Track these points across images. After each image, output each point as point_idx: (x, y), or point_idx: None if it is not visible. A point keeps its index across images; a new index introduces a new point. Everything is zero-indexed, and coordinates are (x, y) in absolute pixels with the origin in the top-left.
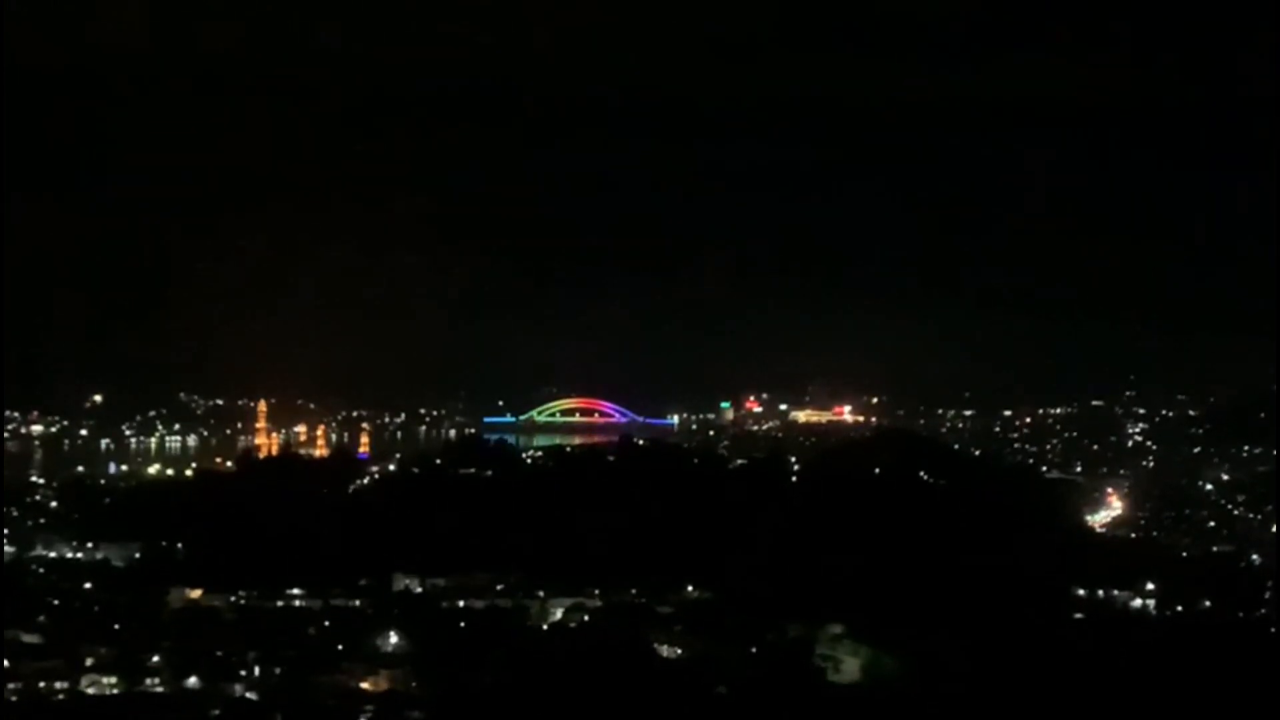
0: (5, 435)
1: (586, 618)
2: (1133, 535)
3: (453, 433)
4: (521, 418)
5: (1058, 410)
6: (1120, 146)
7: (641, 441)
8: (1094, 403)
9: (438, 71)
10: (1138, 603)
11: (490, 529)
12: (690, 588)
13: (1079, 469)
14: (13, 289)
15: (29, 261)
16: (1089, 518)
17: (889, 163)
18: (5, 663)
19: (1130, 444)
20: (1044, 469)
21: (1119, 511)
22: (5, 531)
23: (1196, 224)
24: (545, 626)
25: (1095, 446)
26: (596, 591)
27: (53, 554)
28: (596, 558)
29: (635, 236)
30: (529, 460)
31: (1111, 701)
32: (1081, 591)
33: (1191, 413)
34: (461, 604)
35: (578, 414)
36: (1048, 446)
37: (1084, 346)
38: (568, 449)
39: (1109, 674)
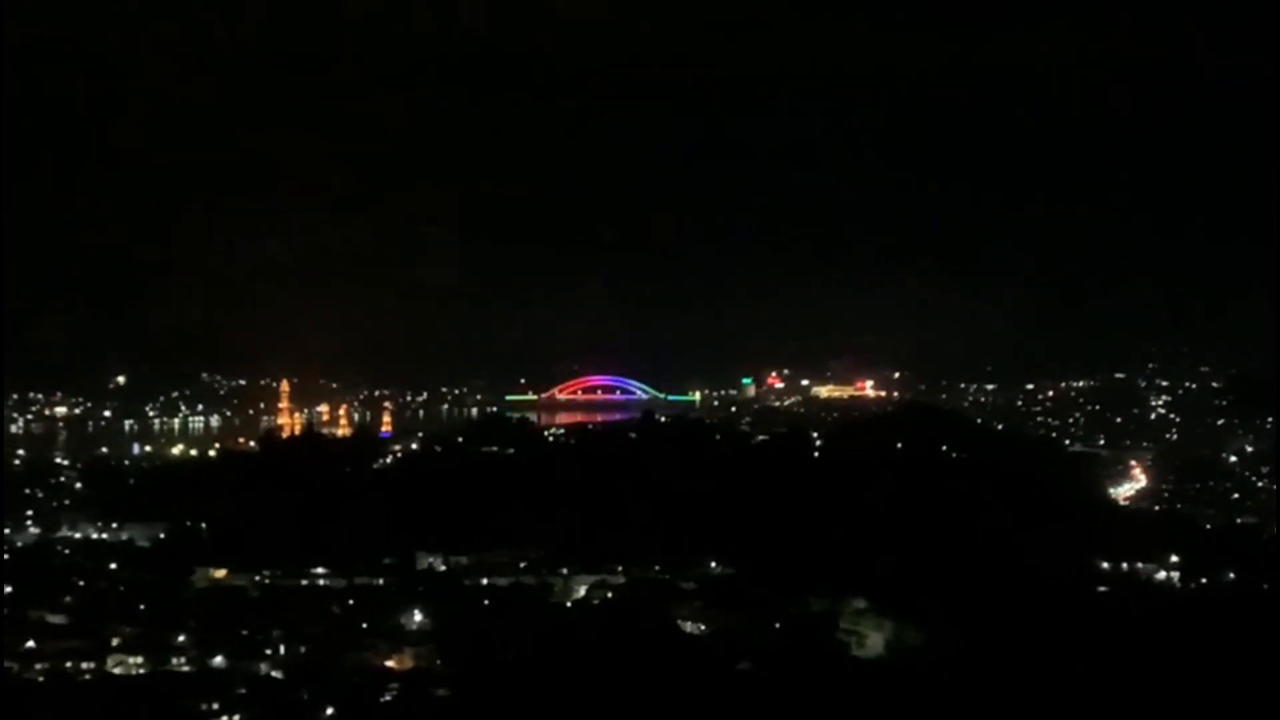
0: (29, 417)
1: (610, 594)
2: (1156, 507)
3: (474, 411)
4: (543, 395)
5: (1080, 383)
6: (1145, 117)
7: (663, 418)
8: (1116, 375)
9: (460, 48)
10: (1162, 575)
11: (513, 507)
12: (713, 564)
13: (1102, 442)
14: (36, 270)
15: (52, 243)
16: (1112, 490)
17: (911, 137)
18: (32, 643)
19: (1153, 416)
20: (1067, 442)
21: (1142, 484)
22: (29, 513)
23: (1219, 195)
24: (569, 603)
25: (1118, 419)
26: (619, 568)
27: (78, 535)
28: (619, 534)
29: (656, 214)
30: (551, 438)
31: (1136, 673)
32: (1105, 564)
33: (1214, 384)
34: (485, 581)
35: (599, 391)
36: (1070, 420)
37: (1106, 319)
38: (589, 426)
39: (1133, 646)
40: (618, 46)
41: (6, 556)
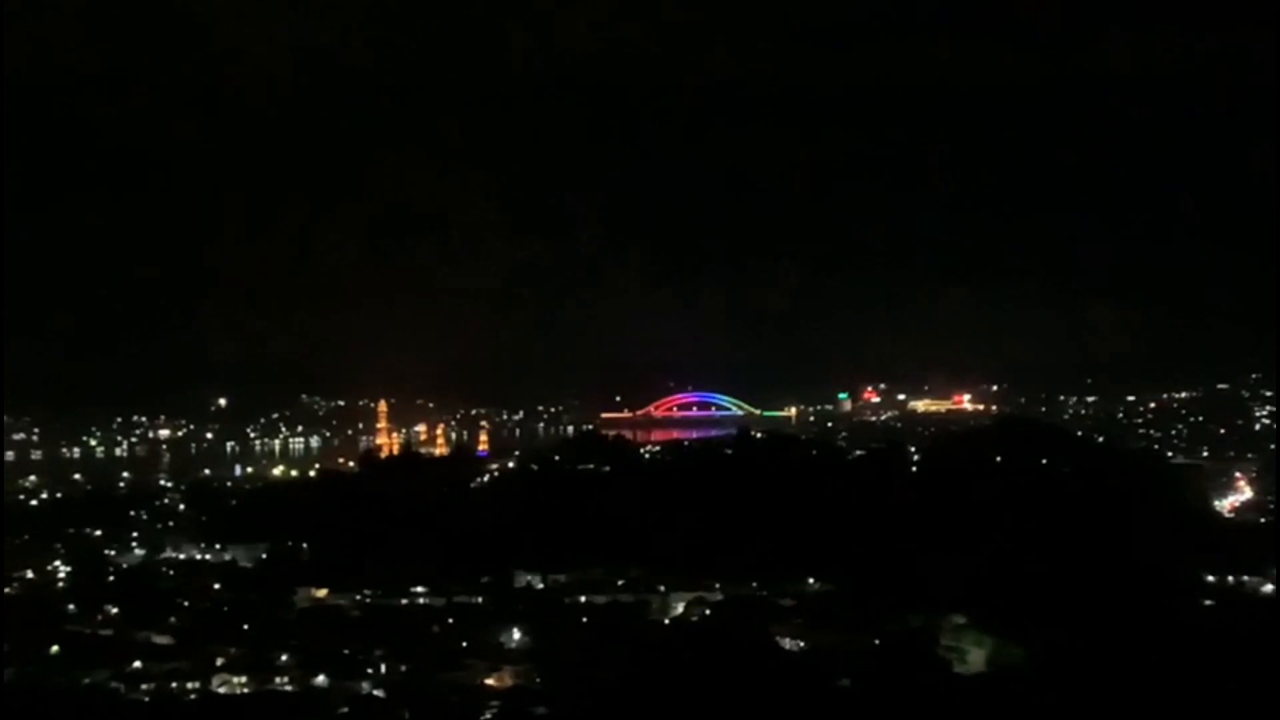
0: (133, 439)
1: (707, 612)
2: (1262, 520)
3: (570, 429)
4: (638, 413)
5: (1182, 394)
6: (1238, 125)
7: (759, 434)
8: (1219, 386)
9: (544, 65)
10: (1269, 588)
11: (609, 524)
12: (811, 580)
13: (1205, 453)
14: (137, 296)
15: (153, 268)
16: (1217, 503)
17: (1006, 149)
18: (138, 663)
19: (1258, 427)
20: (1169, 454)
21: (1247, 496)
22: (134, 534)
23: None
24: (667, 621)
25: (1222, 430)
26: (717, 585)
27: (182, 556)
28: (716, 551)
29: (750, 230)
30: (647, 455)
31: (1244, 689)
32: (1211, 578)
33: None
34: (583, 599)
35: (694, 408)
36: (1173, 431)
37: (1208, 329)
38: (685, 443)
39: (1241, 661)
40: (720, 63)
41: (112, 578)
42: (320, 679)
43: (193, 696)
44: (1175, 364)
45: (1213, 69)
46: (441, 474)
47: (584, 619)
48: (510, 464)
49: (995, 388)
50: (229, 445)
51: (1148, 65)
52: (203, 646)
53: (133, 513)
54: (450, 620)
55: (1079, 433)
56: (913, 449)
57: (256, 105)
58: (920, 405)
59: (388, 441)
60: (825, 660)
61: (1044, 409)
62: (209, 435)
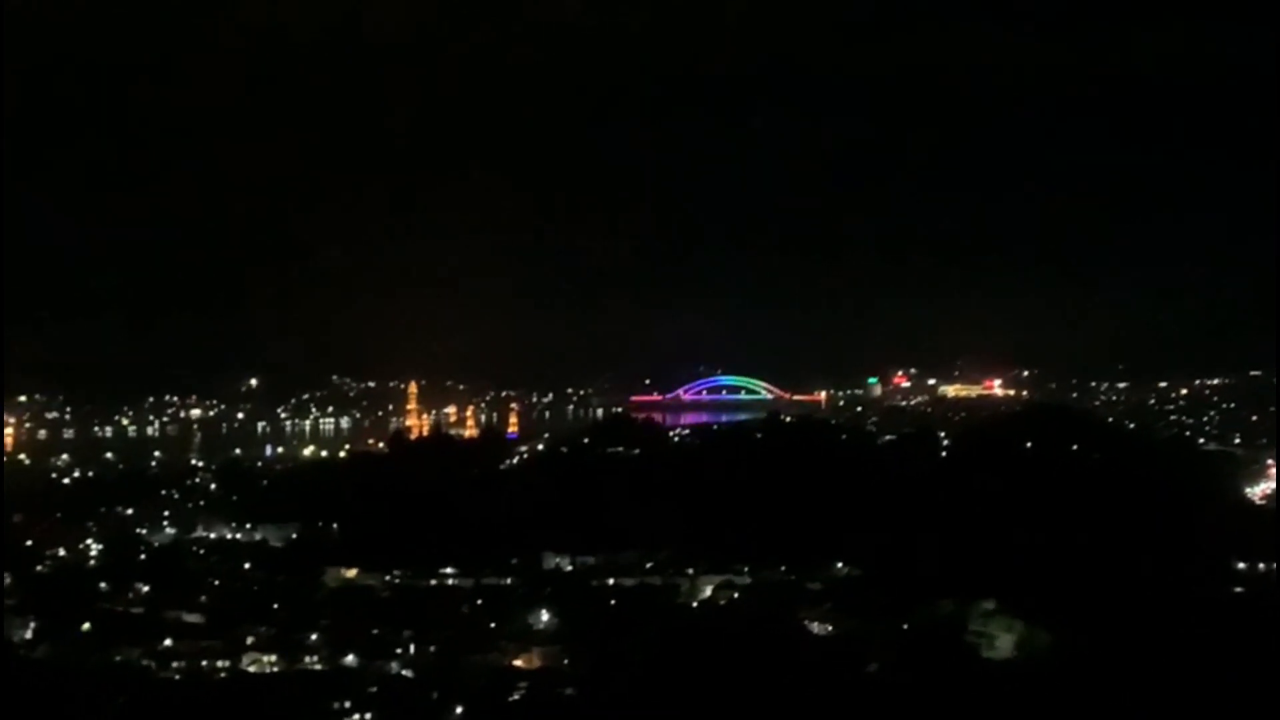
0: (165, 419)
1: (736, 595)
2: None
3: (600, 412)
4: (668, 396)
5: (1215, 381)
6: (1272, 112)
7: (788, 419)
8: (1252, 372)
9: (580, 53)
10: None
11: (639, 507)
12: (840, 564)
13: (1237, 440)
14: (170, 277)
15: (184, 249)
16: (1249, 490)
17: (1036, 137)
18: (169, 642)
19: None
20: (1201, 441)
21: None
22: (166, 514)
23: None
24: (695, 604)
25: (1255, 417)
26: (746, 569)
27: (213, 535)
28: (745, 535)
29: (782, 215)
30: (676, 438)
31: (1273, 675)
32: (1241, 564)
33: None
34: (611, 582)
35: (724, 391)
36: (1205, 418)
37: (1241, 315)
38: (714, 427)
39: (1270, 648)
40: (756, 48)
41: (144, 557)
42: (349, 659)
43: (223, 675)
44: (1207, 350)
45: (1245, 56)
46: (471, 456)
47: (612, 601)
48: (540, 446)
49: (1026, 373)
50: (260, 426)
51: (1180, 53)
52: (233, 626)
53: (164, 492)
54: (479, 601)
55: (1110, 419)
56: (943, 434)
57: (288, 90)
58: (951, 390)
59: (418, 423)
60: (853, 645)
61: (1075, 395)
62: (240, 415)
